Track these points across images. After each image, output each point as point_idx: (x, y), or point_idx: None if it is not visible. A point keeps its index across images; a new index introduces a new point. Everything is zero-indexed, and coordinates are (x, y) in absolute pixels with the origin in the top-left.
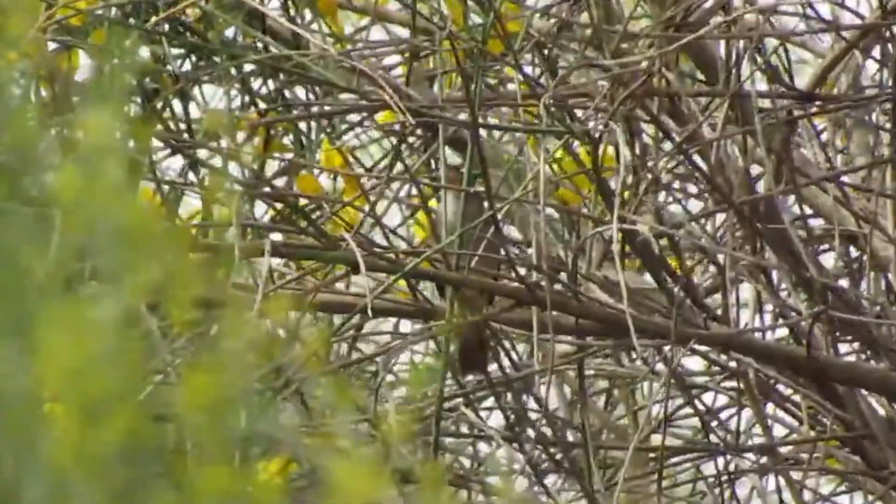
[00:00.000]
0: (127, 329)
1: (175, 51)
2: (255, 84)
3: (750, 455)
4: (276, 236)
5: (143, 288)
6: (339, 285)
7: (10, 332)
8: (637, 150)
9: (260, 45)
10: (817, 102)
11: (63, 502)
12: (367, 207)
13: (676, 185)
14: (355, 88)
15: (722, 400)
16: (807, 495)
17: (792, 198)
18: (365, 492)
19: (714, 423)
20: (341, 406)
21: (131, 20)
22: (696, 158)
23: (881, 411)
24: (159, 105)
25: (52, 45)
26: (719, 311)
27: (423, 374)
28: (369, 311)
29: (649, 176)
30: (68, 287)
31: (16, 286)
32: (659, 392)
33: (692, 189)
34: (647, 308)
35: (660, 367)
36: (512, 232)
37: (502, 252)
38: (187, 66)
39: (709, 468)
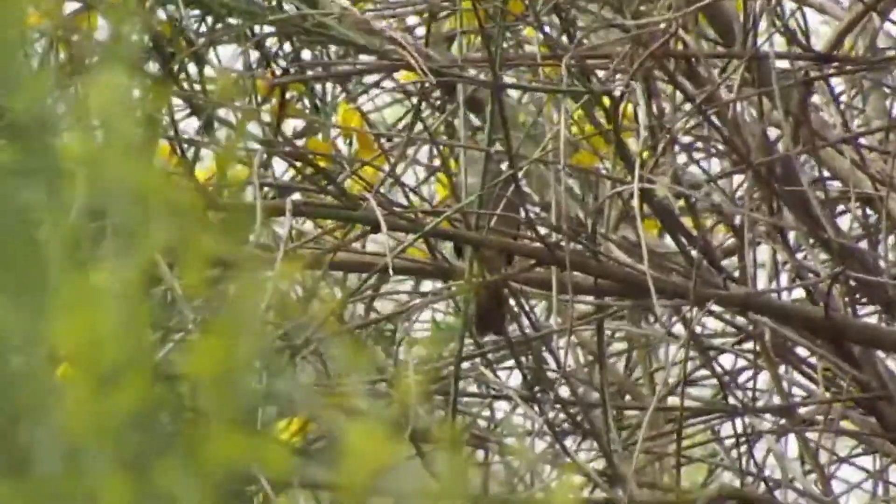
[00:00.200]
0: (141, 294)
1: (191, 12)
2: (272, 46)
3: (767, 417)
4: (295, 195)
5: (158, 251)
6: (356, 245)
7: (23, 297)
8: (655, 112)
9: (276, 4)
10: (834, 64)
11: (76, 470)
12: (386, 167)
13: (694, 146)
14: (376, 48)
15: (739, 362)
16: (824, 458)
17: (809, 160)
18: (379, 455)
19: (731, 386)
20: (356, 367)
21: None
22: (714, 120)
23: None
24: (175, 67)
25: (70, 6)
26: (736, 274)
27: (443, 333)
28: (390, 271)
29: (667, 137)
30: (82, 251)
31: (29, 251)
32: (677, 354)
33: (710, 150)
34: (665, 269)
35: (677, 329)
36: (530, 193)
37: (522, 212)
38: (203, 28)
39: (726, 431)
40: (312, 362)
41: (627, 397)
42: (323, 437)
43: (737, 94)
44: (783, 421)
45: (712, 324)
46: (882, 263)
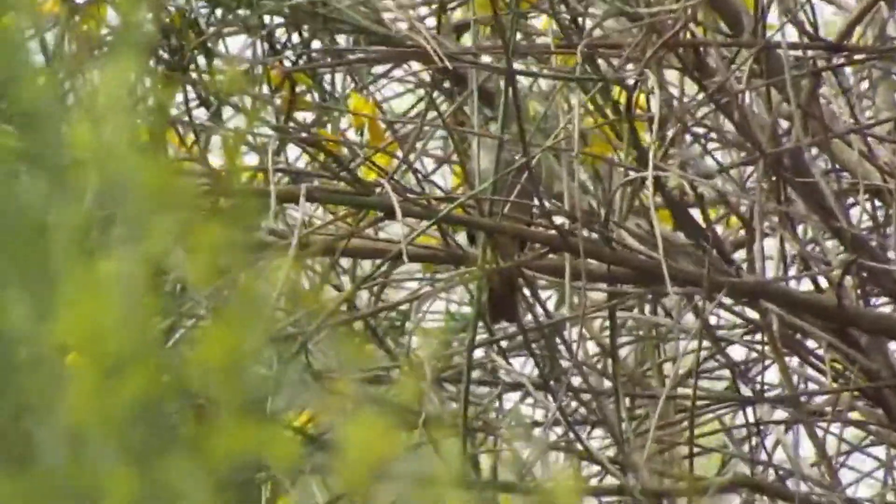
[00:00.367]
0: (148, 284)
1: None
2: (281, 37)
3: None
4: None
5: (167, 239)
6: (369, 231)
7: (31, 289)
8: (664, 101)
9: None
10: (844, 53)
11: (81, 460)
12: (399, 155)
13: (705, 136)
14: (390, 34)
15: (748, 355)
16: (833, 448)
17: (818, 152)
18: (375, 452)
19: (741, 377)
20: (354, 360)
21: None
22: (726, 110)
23: None
24: (185, 57)
25: None
26: (744, 266)
27: (457, 323)
28: (404, 257)
29: (678, 126)
30: (89, 243)
31: (36, 243)
32: (689, 343)
33: (721, 140)
34: (678, 257)
35: (687, 321)
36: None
37: (535, 199)
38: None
39: (737, 421)
40: (322, 350)
41: (637, 389)
42: (332, 426)
43: (747, 83)
44: (790, 411)
45: (721, 316)
46: (892, 254)
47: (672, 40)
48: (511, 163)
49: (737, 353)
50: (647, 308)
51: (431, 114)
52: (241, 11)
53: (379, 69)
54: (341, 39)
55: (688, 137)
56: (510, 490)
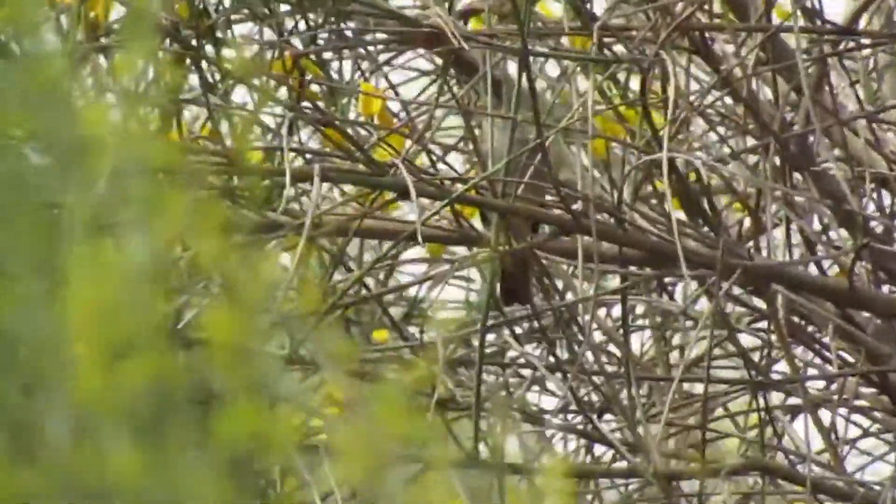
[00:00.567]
0: (157, 266)
1: None
2: (290, 23)
3: (782, 395)
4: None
5: (178, 222)
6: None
7: (38, 272)
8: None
9: None
10: (853, 38)
11: (88, 444)
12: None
13: (719, 122)
14: (402, 14)
15: (755, 343)
16: (841, 432)
17: (825, 140)
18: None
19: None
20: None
21: None
22: (737, 93)
23: None
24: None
25: None
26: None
27: (472, 310)
28: (419, 237)
29: (689, 109)
30: (100, 224)
31: (43, 226)
32: (700, 328)
33: (732, 126)
34: (690, 239)
35: (698, 309)
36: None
37: (548, 181)
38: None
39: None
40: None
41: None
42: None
43: (753, 69)
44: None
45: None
46: None
47: (684, 24)
48: (524, 143)
49: (743, 341)
50: (660, 290)
51: (442, 99)
52: None
53: (386, 56)
54: (350, 25)
55: (700, 122)
56: (516, 471)
